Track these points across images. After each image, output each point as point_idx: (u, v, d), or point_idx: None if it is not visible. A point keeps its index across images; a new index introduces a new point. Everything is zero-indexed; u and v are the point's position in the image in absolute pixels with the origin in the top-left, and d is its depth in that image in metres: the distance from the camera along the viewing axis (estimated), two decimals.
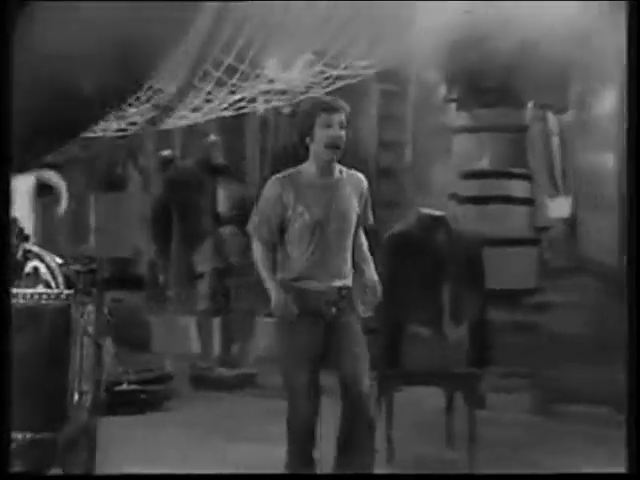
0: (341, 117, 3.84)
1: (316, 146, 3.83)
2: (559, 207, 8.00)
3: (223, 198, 7.15)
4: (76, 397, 2.54)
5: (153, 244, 8.00)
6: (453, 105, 7.51)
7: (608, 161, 7.84)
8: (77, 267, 2.61)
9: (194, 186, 7.20)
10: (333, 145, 3.80)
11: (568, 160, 8.04)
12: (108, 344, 3.88)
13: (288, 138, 8.03)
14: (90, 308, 2.61)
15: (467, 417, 4.68)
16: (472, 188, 6.57)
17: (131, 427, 5.13)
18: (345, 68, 5.76)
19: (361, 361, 3.81)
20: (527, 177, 7.27)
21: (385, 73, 6.94)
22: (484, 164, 6.54)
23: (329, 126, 3.80)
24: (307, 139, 3.84)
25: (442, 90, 7.39)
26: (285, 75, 6.32)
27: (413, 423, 5.15)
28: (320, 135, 3.81)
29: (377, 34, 5.59)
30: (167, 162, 8.03)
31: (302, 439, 3.79)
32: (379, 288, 3.91)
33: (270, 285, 3.80)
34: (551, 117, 7.98)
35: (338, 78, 5.83)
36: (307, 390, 3.78)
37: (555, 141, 7.89)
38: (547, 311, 6.71)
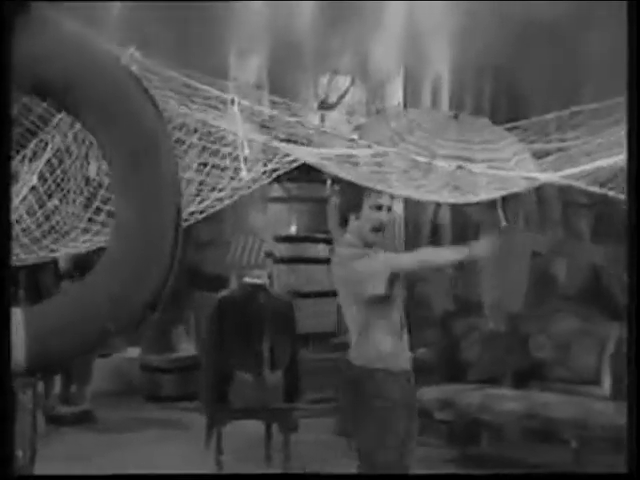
0: (390, 201, 3.60)
1: (361, 226, 3.54)
2: None
3: (64, 254, 7.36)
4: (20, 454, 3.41)
5: None
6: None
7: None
8: None
9: None
10: (380, 229, 3.55)
11: None
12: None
13: None
14: (29, 392, 3.46)
15: (282, 441, 5.77)
16: (284, 250, 7.51)
17: None
18: None
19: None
20: (328, 241, 7.99)
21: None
22: (293, 230, 7.48)
23: (379, 209, 3.54)
24: (352, 215, 3.56)
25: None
26: None
27: (237, 449, 6.06)
28: (367, 216, 3.53)
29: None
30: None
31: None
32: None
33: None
34: None
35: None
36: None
37: None
38: (346, 348, 7.74)
